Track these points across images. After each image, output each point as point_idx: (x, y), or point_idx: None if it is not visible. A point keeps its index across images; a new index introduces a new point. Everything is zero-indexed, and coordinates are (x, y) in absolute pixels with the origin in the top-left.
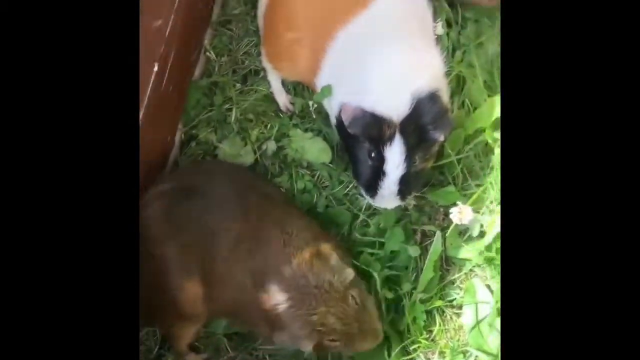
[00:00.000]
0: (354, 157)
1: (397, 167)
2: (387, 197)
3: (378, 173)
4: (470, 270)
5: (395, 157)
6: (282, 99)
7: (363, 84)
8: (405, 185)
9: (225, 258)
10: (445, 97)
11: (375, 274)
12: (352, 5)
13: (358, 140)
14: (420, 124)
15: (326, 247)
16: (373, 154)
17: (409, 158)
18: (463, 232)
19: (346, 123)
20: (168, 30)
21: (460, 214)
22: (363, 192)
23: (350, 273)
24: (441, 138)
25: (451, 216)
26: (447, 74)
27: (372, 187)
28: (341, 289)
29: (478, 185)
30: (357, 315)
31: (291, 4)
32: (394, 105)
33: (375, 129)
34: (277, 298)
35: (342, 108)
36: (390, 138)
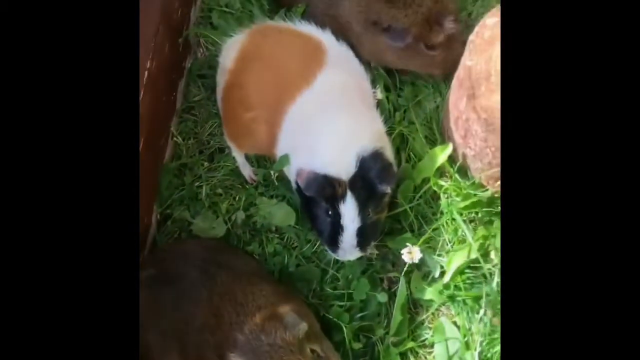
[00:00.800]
0: (314, 216)
1: (352, 221)
2: (348, 249)
3: (337, 228)
4: (437, 309)
5: (349, 211)
6: (247, 171)
7: (314, 150)
8: (363, 237)
9: (195, 341)
10: (388, 152)
11: (344, 326)
12: (297, 84)
13: (315, 201)
14: (367, 180)
15: (282, 308)
16: (330, 212)
17: (363, 211)
18: (426, 275)
19: (302, 186)
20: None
21: (410, 253)
22: (326, 247)
23: (304, 327)
24: (388, 190)
25: (403, 257)
26: (390, 132)
27: (334, 242)
28: (295, 342)
29: (433, 230)
30: None
31: (245, 88)
32: (341, 166)
33: (328, 189)
34: None
35: (298, 173)
36: (343, 195)
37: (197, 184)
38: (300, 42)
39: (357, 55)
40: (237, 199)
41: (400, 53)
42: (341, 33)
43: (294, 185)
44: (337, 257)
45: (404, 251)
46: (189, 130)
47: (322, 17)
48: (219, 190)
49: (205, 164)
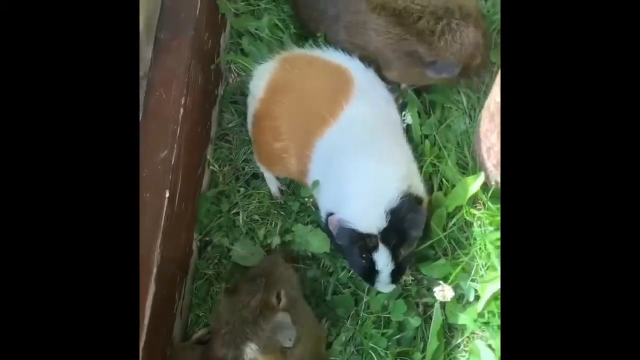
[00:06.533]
0: (348, 256)
1: (386, 266)
2: (384, 285)
3: (371, 270)
4: (472, 333)
5: (382, 259)
6: (273, 187)
7: (342, 199)
8: (397, 274)
9: None
10: (417, 187)
11: (382, 351)
12: (325, 118)
13: (348, 246)
14: (398, 230)
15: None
16: (363, 255)
17: (395, 256)
18: (461, 298)
19: (334, 234)
20: (173, 158)
21: (443, 292)
22: (363, 280)
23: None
24: (419, 234)
25: (435, 294)
26: (422, 158)
27: (370, 278)
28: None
29: (466, 254)
30: None
31: (275, 118)
32: (372, 222)
33: (359, 242)
34: None
35: (328, 220)
36: (375, 247)
37: (233, 211)
38: (327, 72)
39: (384, 77)
40: (273, 224)
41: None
42: (366, 58)
43: (323, 219)
44: (373, 288)
45: (436, 289)
46: (225, 157)
47: (344, 44)
48: (256, 217)
49: (242, 190)
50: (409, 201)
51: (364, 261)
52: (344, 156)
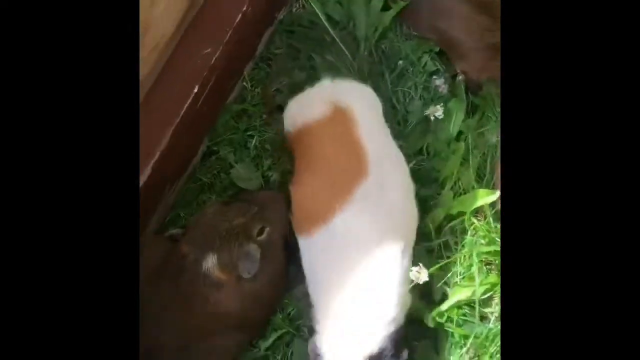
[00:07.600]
0: None
1: None
2: None
3: None
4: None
5: None
6: None
7: (321, 324)
8: None
9: None
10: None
11: None
12: (318, 215)
13: None
14: None
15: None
16: None
17: None
18: (425, 295)
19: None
20: (214, 58)
21: (419, 273)
22: None
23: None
24: None
25: (410, 274)
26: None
27: None
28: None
29: (448, 257)
30: None
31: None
32: None
33: None
34: None
35: (309, 342)
36: None
37: (249, 132)
38: (346, 151)
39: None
40: (280, 160)
41: None
42: (443, 45)
43: None
44: None
45: (413, 268)
46: (260, 79)
47: (426, 24)
48: (267, 146)
49: (264, 116)
50: (392, 347)
51: None
52: (327, 277)
